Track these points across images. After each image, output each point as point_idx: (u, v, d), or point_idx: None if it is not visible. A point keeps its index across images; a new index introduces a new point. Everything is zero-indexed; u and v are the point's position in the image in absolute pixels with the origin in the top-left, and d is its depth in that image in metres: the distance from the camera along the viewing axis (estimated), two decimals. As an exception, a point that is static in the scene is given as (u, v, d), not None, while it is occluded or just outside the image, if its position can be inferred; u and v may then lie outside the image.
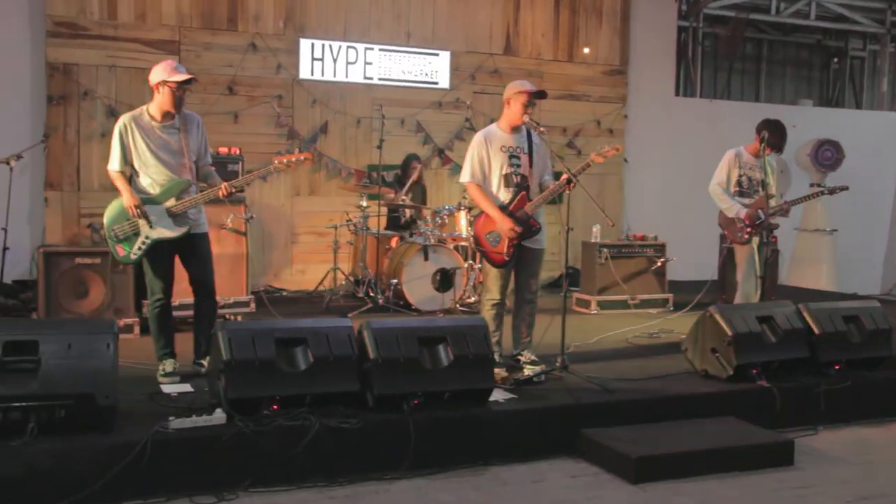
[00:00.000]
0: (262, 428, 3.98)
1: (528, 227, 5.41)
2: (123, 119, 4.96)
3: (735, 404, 5.00)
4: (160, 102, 4.92)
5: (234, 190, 5.05)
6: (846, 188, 6.79)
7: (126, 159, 4.94)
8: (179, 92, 4.89)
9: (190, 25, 8.71)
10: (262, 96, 9.02)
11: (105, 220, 4.99)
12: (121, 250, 4.96)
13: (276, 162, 5.08)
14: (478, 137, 5.53)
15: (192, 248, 5.09)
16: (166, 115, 4.97)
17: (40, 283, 6.07)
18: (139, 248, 4.93)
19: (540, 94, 5.40)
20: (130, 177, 4.99)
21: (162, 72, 4.89)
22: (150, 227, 4.92)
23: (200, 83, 8.67)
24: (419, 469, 4.20)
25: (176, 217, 4.95)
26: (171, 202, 4.93)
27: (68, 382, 3.74)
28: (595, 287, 8.21)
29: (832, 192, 6.77)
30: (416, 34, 9.69)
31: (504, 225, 5.34)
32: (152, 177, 4.95)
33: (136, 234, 4.93)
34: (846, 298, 7.79)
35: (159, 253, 4.98)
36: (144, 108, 5.00)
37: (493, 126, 5.60)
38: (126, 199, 4.89)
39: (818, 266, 11.37)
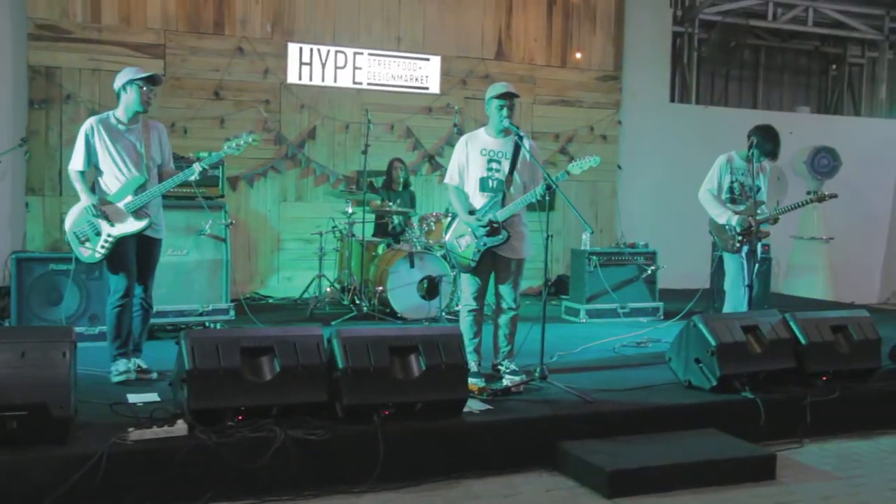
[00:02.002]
0: (225, 439, 3.86)
1: (495, 233, 5.29)
2: (91, 121, 5.07)
3: (718, 416, 4.87)
4: (129, 103, 5.05)
5: (206, 167, 5.17)
6: (835, 196, 6.62)
7: (90, 160, 5.04)
8: (147, 89, 5.01)
9: (176, 29, 8.63)
10: (249, 101, 8.93)
11: (67, 223, 5.09)
12: (84, 251, 5.05)
13: (225, 147, 5.14)
14: (461, 140, 5.55)
15: (146, 252, 5.18)
16: (133, 118, 5.07)
17: (12, 290, 5.95)
18: (102, 247, 5.01)
19: (509, 95, 5.29)
20: (95, 178, 5.09)
21: (126, 74, 5.05)
22: (111, 224, 5.00)
23: (186, 87, 8.64)
24: (388, 482, 4.08)
25: (135, 212, 5.03)
26: (128, 198, 5.01)
27: (21, 393, 3.62)
28: (584, 295, 8.08)
29: (821, 199, 6.60)
30: (406, 39, 9.59)
31: (470, 224, 5.29)
32: (116, 177, 5.04)
33: (98, 233, 5.01)
34: (840, 308, 7.66)
35: (121, 252, 5.05)
36: (111, 112, 5.11)
37: (480, 130, 5.58)
38: (84, 199, 5.00)
39: (814, 274, 11.24)
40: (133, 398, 4.58)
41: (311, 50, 9.15)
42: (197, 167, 5.04)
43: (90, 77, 8.28)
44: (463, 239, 5.38)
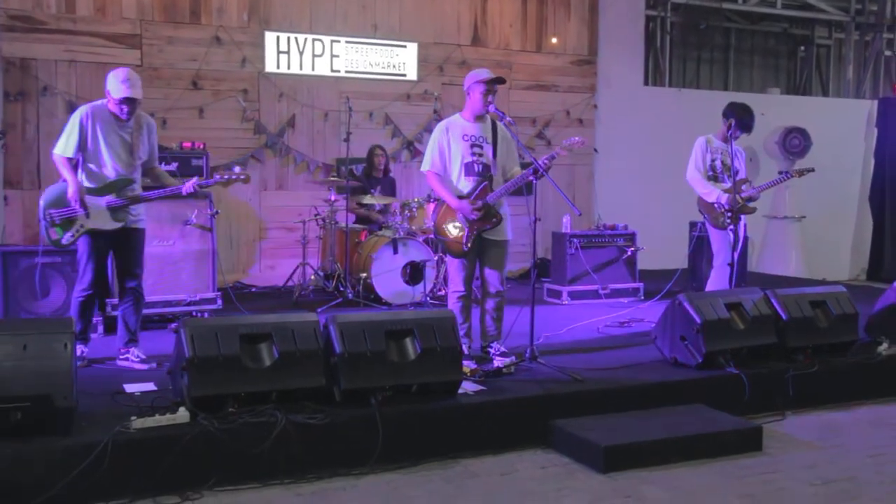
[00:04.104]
0: (226, 426, 3.91)
1: (488, 217, 5.37)
2: (85, 108, 5.08)
3: (704, 391, 5.00)
4: (112, 107, 5.06)
5: (198, 188, 5.22)
6: (812, 170, 6.86)
7: (81, 147, 5.04)
8: (124, 105, 5.00)
9: (151, 19, 8.57)
10: (227, 90, 8.91)
11: (42, 201, 5.12)
12: (54, 234, 5.11)
13: (215, 177, 5.27)
14: (439, 126, 5.52)
15: (126, 241, 5.22)
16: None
17: (-1, 284, 5.94)
18: (73, 236, 5.08)
19: (498, 81, 5.36)
20: (76, 165, 5.10)
21: (109, 83, 5.01)
22: (88, 216, 5.05)
23: (164, 78, 8.61)
24: (388, 463, 4.16)
25: (114, 212, 5.08)
26: (110, 197, 5.07)
27: (24, 384, 3.64)
28: (566, 277, 8.19)
29: (801, 174, 6.80)
30: (382, 26, 9.60)
31: (463, 209, 5.31)
32: (101, 169, 5.08)
33: (72, 221, 5.06)
34: (814, 284, 7.84)
35: (96, 244, 5.11)
36: (105, 101, 5.08)
37: (456, 115, 5.58)
38: (71, 188, 4.99)
39: (787, 252, 11.46)
40: (130, 388, 4.61)
41: (289, 38, 9.14)
42: (187, 187, 5.12)
43: (66, 68, 8.20)
44: (453, 224, 5.41)
